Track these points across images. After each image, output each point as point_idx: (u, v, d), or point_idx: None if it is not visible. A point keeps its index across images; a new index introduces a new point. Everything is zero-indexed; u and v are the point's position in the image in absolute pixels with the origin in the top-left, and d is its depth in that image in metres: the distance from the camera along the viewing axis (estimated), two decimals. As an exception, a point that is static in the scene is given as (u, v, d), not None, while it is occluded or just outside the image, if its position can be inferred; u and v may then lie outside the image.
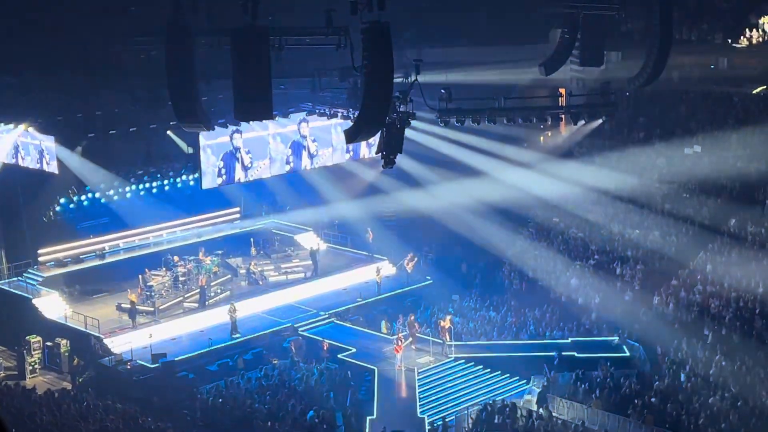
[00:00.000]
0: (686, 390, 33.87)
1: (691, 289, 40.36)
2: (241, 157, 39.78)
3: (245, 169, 40.09)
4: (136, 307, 40.22)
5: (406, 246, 47.09)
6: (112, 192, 43.70)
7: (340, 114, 35.28)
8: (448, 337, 38.78)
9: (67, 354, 39.11)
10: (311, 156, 41.99)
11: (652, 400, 33.47)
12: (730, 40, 51.94)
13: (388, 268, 46.40)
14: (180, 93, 24.26)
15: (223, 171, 39.37)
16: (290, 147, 41.24)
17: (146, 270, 43.40)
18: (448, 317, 39.89)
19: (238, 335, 39.65)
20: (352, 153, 43.31)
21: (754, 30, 51.56)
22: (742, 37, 50.77)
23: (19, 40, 32.57)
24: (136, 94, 33.29)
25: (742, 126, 47.83)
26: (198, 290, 42.20)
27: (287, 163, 41.39)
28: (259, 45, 23.31)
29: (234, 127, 38.27)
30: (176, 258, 44.54)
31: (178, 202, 46.42)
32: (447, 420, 34.10)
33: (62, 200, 43.27)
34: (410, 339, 39.09)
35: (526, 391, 36.98)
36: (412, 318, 40.26)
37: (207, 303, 41.88)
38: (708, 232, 43.68)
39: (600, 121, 42.82)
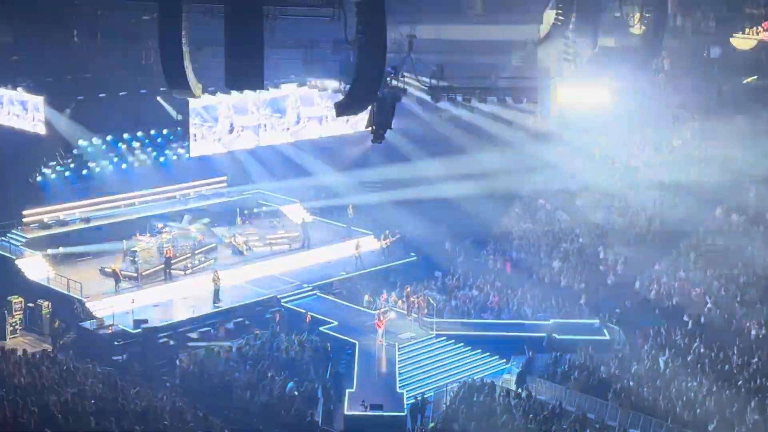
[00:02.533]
0: (664, 375, 34.10)
1: (673, 275, 40.59)
2: (234, 125, 39.79)
3: (236, 136, 40.09)
4: (120, 272, 40.17)
5: (391, 221, 47.19)
6: (99, 156, 43.51)
7: (330, 87, 35.19)
8: (422, 312, 39.09)
9: (48, 316, 39.07)
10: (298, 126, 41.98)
11: (630, 383, 33.68)
12: (723, 31, 51.76)
13: (372, 243, 46.46)
14: (171, 59, 24.14)
15: (218, 137, 39.33)
16: (281, 117, 41.20)
17: (137, 233, 43.36)
18: (422, 295, 40.27)
19: (220, 304, 39.68)
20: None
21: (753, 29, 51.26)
22: (739, 32, 50.58)
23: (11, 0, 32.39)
24: (126, 59, 33.17)
25: (733, 115, 47.93)
26: (184, 257, 42.15)
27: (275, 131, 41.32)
28: (252, 14, 23.19)
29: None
30: (160, 225, 44.46)
31: (165, 169, 46.27)
32: (425, 396, 34.27)
33: (49, 162, 43.07)
34: (388, 312, 39.23)
35: (506, 370, 37.15)
36: (408, 290, 40.56)
37: (169, 273, 41.36)
38: (693, 220, 43.86)
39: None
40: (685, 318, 37.93)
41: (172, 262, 41.53)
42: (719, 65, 51.77)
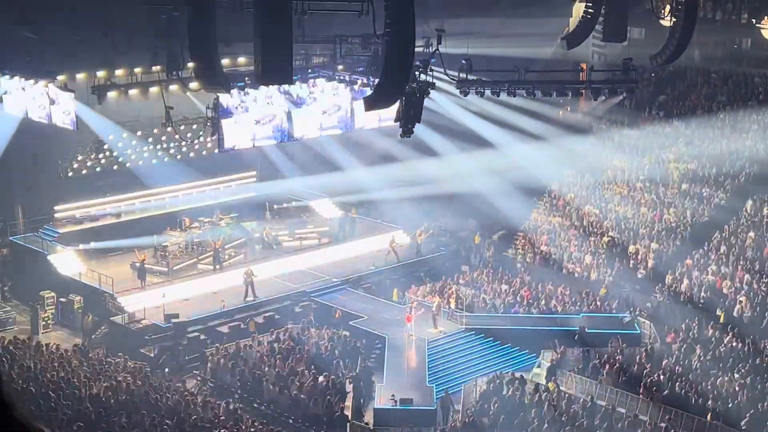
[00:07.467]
0: (696, 369, 33.91)
1: (705, 269, 40.32)
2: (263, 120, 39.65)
3: (266, 131, 39.96)
4: (150, 267, 40.38)
5: (421, 216, 47.14)
6: (129, 151, 43.70)
7: (359, 81, 35.16)
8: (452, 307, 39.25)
9: (80, 310, 39.36)
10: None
11: (661, 378, 33.52)
12: (754, 21, 51.45)
13: (401, 238, 46.41)
14: (201, 55, 24.22)
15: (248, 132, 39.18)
16: (310, 113, 41.05)
17: (168, 228, 43.61)
18: (452, 290, 40.34)
19: (250, 299, 39.79)
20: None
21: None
22: (766, 18, 50.19)
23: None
24: (156, 54, 33.27)
25: (763, 107, 47.56)
26: (212, 252, 42.34)
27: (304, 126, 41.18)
28: (281, 9, 23.21)
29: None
30: (188, 220, 44.72)
31: (195, 164, 46.46)
32: (455, 390, 34.26)
33: (79, 158, 43.31)
34: (418, 306, 39.20)
35: (536, 364, 37.05)
36: (438, 285, 40.58)
37: (219, 266, 41.96)
38: (724, 213, 43.54)
39: (620, 97, 42.53)
40: (717, 312, 37.68)
41: (219, 252, 42.03)
42: (750, 56, 51.39)
